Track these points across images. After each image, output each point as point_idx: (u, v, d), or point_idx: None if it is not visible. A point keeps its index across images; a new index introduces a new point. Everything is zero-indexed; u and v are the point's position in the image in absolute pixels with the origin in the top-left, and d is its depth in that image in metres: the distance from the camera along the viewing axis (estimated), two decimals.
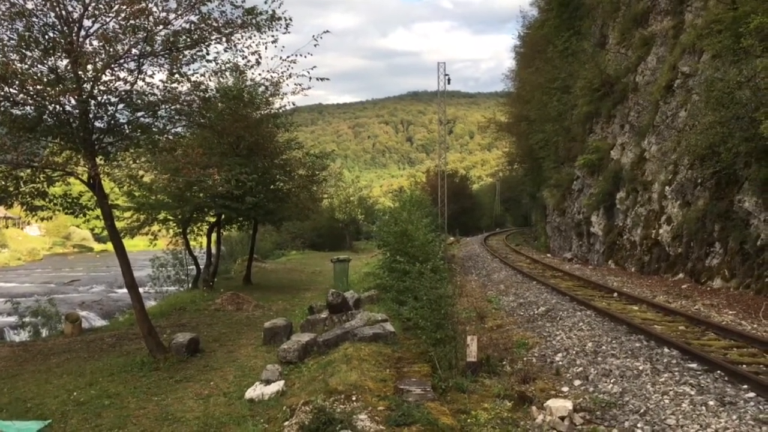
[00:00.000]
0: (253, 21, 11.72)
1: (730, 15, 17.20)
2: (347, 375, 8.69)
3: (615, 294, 16.63)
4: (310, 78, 13.38)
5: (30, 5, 10.68)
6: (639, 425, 7.43)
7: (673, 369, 9.15)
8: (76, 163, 12.16)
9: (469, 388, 9.06)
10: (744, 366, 9.15)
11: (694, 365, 9.24)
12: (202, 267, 24.69)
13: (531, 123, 40.32)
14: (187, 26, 11.37)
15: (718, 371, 8.81)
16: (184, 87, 12.00)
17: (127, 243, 14.45)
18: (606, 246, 27.51)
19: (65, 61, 10.90)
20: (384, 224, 19.69)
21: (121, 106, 11.77)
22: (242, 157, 21.12)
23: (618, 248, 26.18)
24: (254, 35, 11.99)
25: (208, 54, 11.91)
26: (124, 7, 10.50)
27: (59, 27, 10.92)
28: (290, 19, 12.11)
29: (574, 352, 11.05)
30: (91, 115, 11.48)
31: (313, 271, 33.30)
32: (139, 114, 12.23)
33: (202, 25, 11.43)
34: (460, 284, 21.74)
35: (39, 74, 10.67)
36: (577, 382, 9.50)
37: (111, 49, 10.87)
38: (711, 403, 7.66)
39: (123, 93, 11.46)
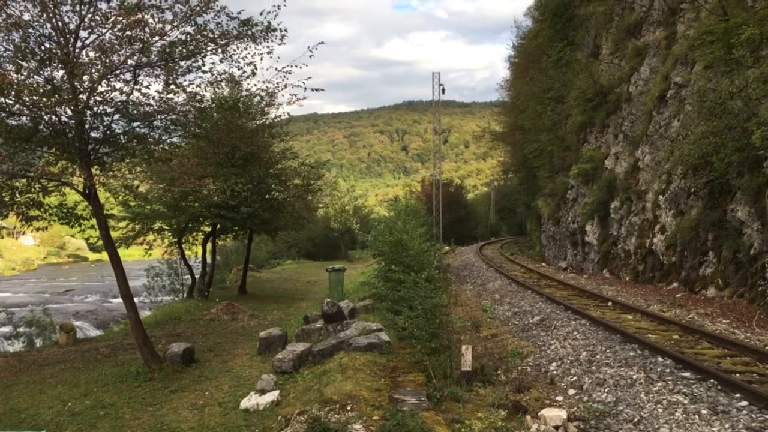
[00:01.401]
0: (249, 32, 11.79)
1: (722, 26, 17.36)
2: (342, 385, 8.70)
3: (609, 303, 16.70)
4: (306, 88, 13.46)
5: (26, 16, 10.73)
6: None
7: (666, 378, 9.20)
8: (71, 174, 12.16)
9: (463, 398, 9.08)
10: (737, 375, 9.20)
11: (687, 374, 9.29)
12: (197, 277, 24.66)
13: (525, 132, 40.46)
14: (183, 37, 11.43)
15: (712, 380, 8.86)
16: (180, 97, 12.06)
17: (122, 253, 14.44)
18: (600, 255, 27.60)
19: (61, 72, 10.94)
20: (379, 234, 19.73)
21: (116, 116, 11.82)
22: (237, 167, 21.15)
23: (612, 257, 26.27)
24: (250, 46, 12.07)
25: (203, 65, 11.97)
26: (120, 18, 10.56)
27: (55, 38, 10.97)
28: (285, 30, 12.19)
29: (568, 361, 11.09)
30: (86, 126, 11.51)
31: (308, 281, 33.28)
32: (135, 124, 12.29)
33: (198, 36, 11.49)
34: (455, 294, 21.78)
35: (35, 85, 10.69)
36: (571, 391, 9.53)
37: (107, 60, 10.92)
38: (704, 411, 7.71)
39: (119, 103, 11.50)
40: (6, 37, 10.82)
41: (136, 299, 13.70)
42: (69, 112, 10.97)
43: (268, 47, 12.23)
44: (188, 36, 11.43)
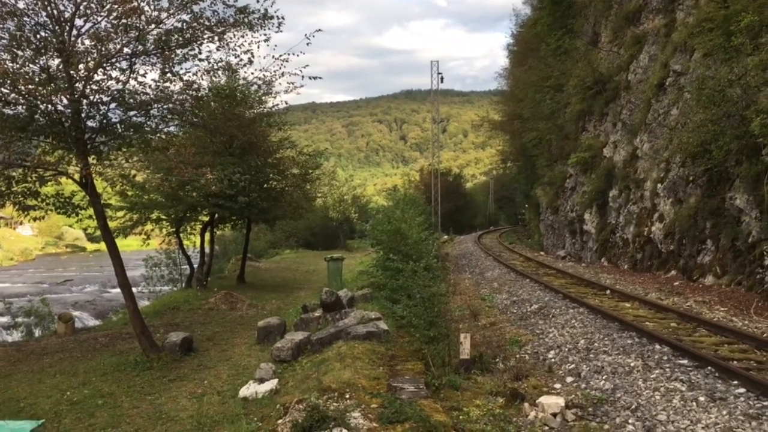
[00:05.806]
0: (246, 20, 11.72)
1: (721, 13, 17.27)
2: (341, 373, 8.71)
3: (607, 291, 16.71)
4: (303, 76, 13.39)
5: (21, 4, 10.67)
6: (630, 421, 7.49)
7: (664, 365, 9.21)
8: (68, 163, 12.13)
9: (462, 386, 9.09)
10: (735, 362, 9.21)
11: (685, 361, 9.29)
12: (195, 266, 24.67)
13: (524, 121, 40.34)
14: (180, 25, 11.38)
15: (709, 367, 8.87)
16: (177, 86, 11.99)
17: (120, 243, 14.42)
18: (599, 244, 27.61)
19: (57, 61, 10.87)
20: (377, 223, 19.70)
21: (113, 105, 11.76)
22: (235, 156, 21.10)
23: (611, 246, 26.28)
24: (247, 34, 12.01)
25: (200, 53, 11.91)
26: (116, 6, 10.49)
27: (51, 26, 10.90)
28: (283, 18, 12.14)
29: (566, 349, 11.10)
30: (83, 115, 11.47)
31: (306, 270, 33.30)
32: (132, 113, 12.21)
33: (195, 24, 11.43)
34: (454, 282, 21.80)
35: (31, 74, 10.63)
36: (569, 379, 9.55)
37: (103, 49, 10.85)
38: (701, 398, 7.72)
39: (115, 92, 11.44)
40: (1, 26, 10.75)
41: (134, 289, 13.70)
42: (65, 101, 10.92)
43: (265, 35, 12.17)
44: (184, 24, 11.37)
